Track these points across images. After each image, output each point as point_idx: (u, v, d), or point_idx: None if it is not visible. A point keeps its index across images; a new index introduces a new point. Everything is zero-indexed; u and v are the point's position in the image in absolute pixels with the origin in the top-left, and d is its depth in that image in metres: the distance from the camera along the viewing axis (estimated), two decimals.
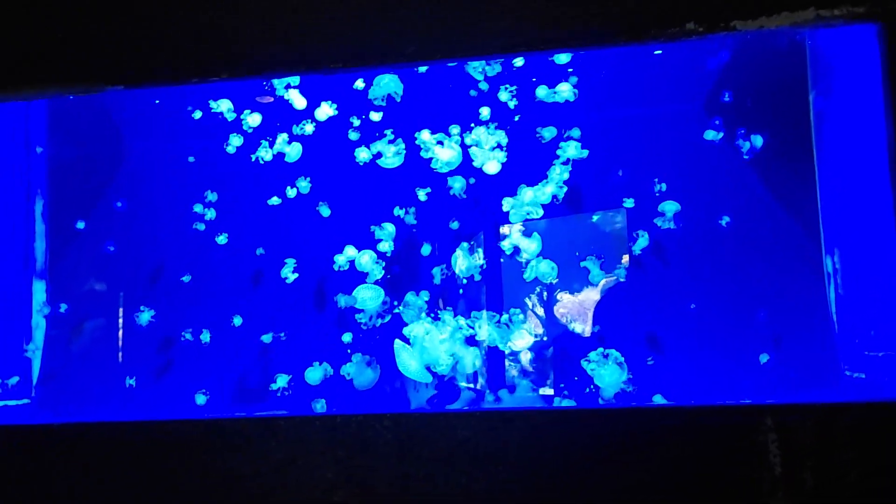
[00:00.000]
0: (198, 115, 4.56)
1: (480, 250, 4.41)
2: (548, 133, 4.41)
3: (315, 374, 4.24)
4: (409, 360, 3.97)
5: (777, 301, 4.13)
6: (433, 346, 4.00)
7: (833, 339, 4.02)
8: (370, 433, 3.23)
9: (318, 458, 3.22)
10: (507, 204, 4.39)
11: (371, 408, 4.06)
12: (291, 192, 4.51)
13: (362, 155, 4.40)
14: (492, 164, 4.33)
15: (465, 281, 4.39)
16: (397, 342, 4.07)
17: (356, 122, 4.47)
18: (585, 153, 4.32)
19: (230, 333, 4.42)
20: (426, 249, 4.44)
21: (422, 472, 3.17)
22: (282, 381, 4.25)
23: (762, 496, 3.08)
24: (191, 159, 4.56)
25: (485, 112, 4.43)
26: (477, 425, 3.31)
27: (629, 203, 4.39)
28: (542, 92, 4.40)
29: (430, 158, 4.39)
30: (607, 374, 3.95)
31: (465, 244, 4.39)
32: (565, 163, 4.34)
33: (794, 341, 4.06)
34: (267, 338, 4.44)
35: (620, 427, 3.31)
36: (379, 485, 3.17)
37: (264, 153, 4.48)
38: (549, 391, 4.17)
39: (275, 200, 4.51)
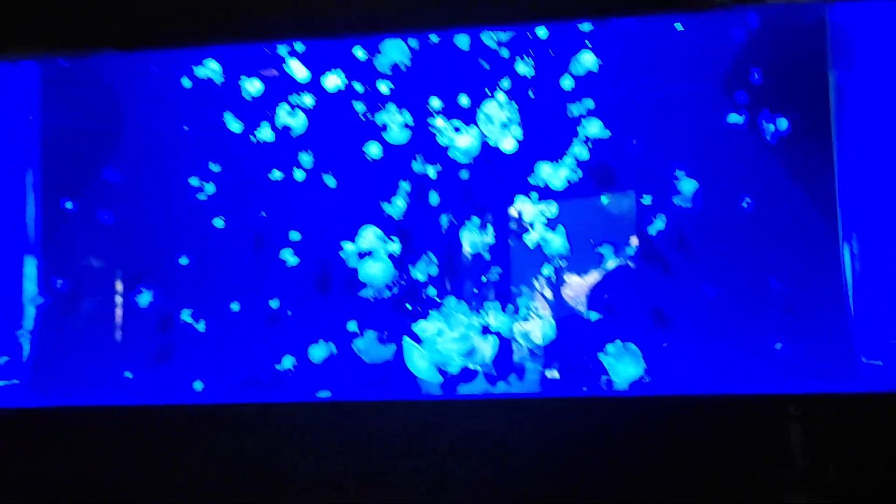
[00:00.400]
0: (194, 83, 4.35)
1: (490, 228, 4.25)
2: (568, 109, 4.23)
3: (319, 352, 4.09)
4: (418, 360, 3.84)
5: (793, 287, 4.01)
6: (444, 346, 3.87)
7: (850, 326, 3.91)
8: (379, 422, 3.11)
9: (324, 446, 3.10)
10: (520, 201, 4.22)
11: (380, 391, 3.92)
12: (296, 167, 4.31)
13: (373, 150, 4.22)
14: (507, 141, 4.15)
15: (487, 277, 4.24)
16: (407, 339, 3.93)
17: (360, 89, 4.27)
18: (608, 133, 4.15)
19: (231, 315, 4.25)
20: (434, 199, 4.23)
21: (432, 463, 3.05)
22: (287, 362, 4.10)
23: (784, 489, 2.99)
24: (185, 128, 4.35)
25: (500, 84, 4.23)
26: (488, 414, 3.20)
27: (646, 187, 4.22)
28: (562, 64, 4.22)
29: (447, 147, 4.21)
30: (624, 367, 3.83)
31: (476, 218, 4.22)
32: (585, 141, 4.18)
33: (810, 328, 3.94)
34: (273, 305, 4.26)
35: (636, 416, 3.21)
36: (387, 476, 3.05)
37: (264, 131, 4.29)
38: (555, 374, 4.05)
39: (276, 175, 4.32)
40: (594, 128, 4.16)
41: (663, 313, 4.06)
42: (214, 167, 4.33)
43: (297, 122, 4.21)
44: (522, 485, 3.07)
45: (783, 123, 4.04)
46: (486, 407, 3.34)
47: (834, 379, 3.76)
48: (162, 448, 3.25)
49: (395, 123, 4.13)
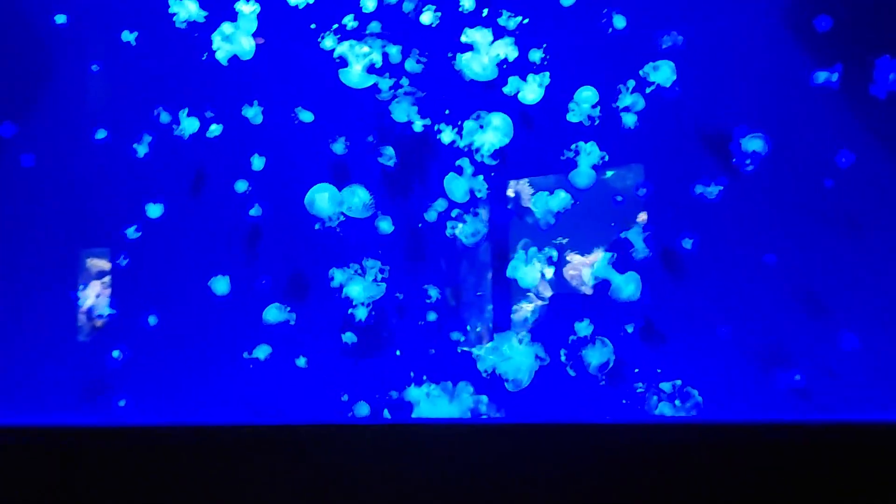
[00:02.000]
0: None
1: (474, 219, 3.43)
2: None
3: (272, 314, 3.47)
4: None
5: (869, 287, 3.23)
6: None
7: None
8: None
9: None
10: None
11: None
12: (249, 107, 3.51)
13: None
14: (531, 90, 3.34)
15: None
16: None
17: None
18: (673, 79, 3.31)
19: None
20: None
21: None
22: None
23: None
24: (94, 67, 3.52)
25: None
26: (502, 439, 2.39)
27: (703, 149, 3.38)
28: None
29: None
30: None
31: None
32: (641, 88, 3.35)
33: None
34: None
35: (681, 445, 2.37)
36: None
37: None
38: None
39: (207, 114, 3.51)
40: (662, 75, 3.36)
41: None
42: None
43: (241, 49, 3.31)
44: None
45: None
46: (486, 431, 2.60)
47: None
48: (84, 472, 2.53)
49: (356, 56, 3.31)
